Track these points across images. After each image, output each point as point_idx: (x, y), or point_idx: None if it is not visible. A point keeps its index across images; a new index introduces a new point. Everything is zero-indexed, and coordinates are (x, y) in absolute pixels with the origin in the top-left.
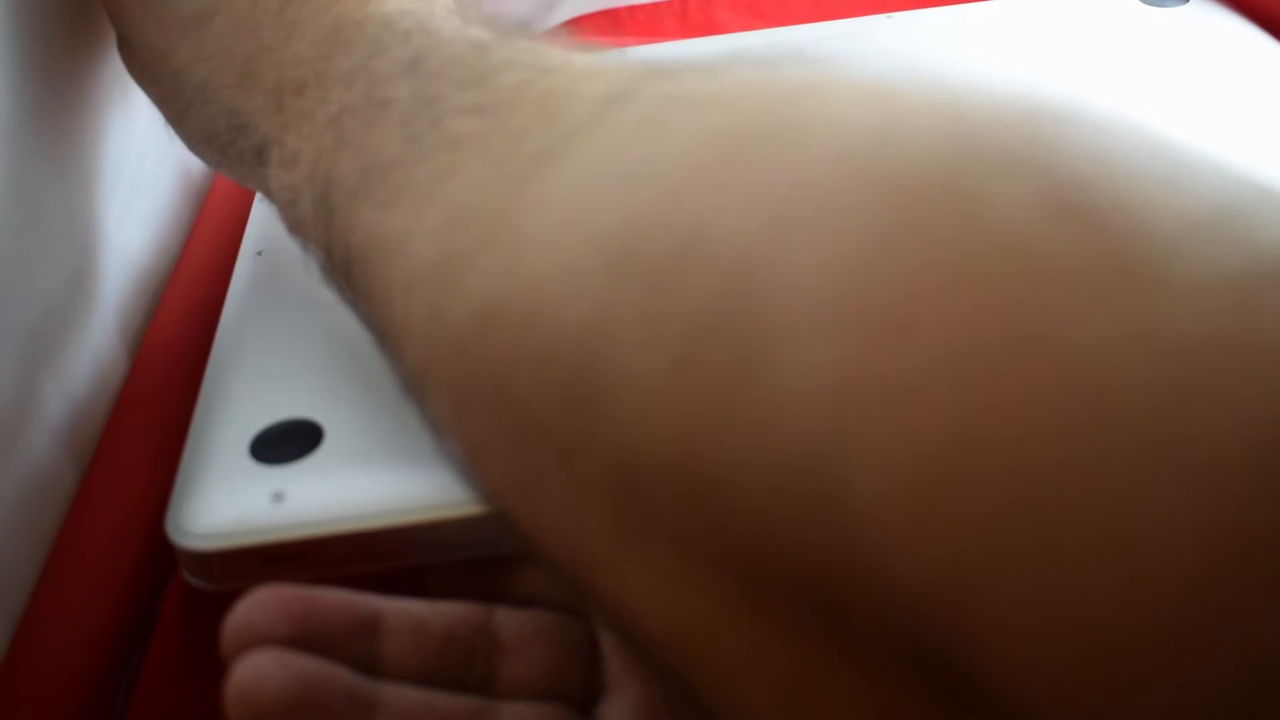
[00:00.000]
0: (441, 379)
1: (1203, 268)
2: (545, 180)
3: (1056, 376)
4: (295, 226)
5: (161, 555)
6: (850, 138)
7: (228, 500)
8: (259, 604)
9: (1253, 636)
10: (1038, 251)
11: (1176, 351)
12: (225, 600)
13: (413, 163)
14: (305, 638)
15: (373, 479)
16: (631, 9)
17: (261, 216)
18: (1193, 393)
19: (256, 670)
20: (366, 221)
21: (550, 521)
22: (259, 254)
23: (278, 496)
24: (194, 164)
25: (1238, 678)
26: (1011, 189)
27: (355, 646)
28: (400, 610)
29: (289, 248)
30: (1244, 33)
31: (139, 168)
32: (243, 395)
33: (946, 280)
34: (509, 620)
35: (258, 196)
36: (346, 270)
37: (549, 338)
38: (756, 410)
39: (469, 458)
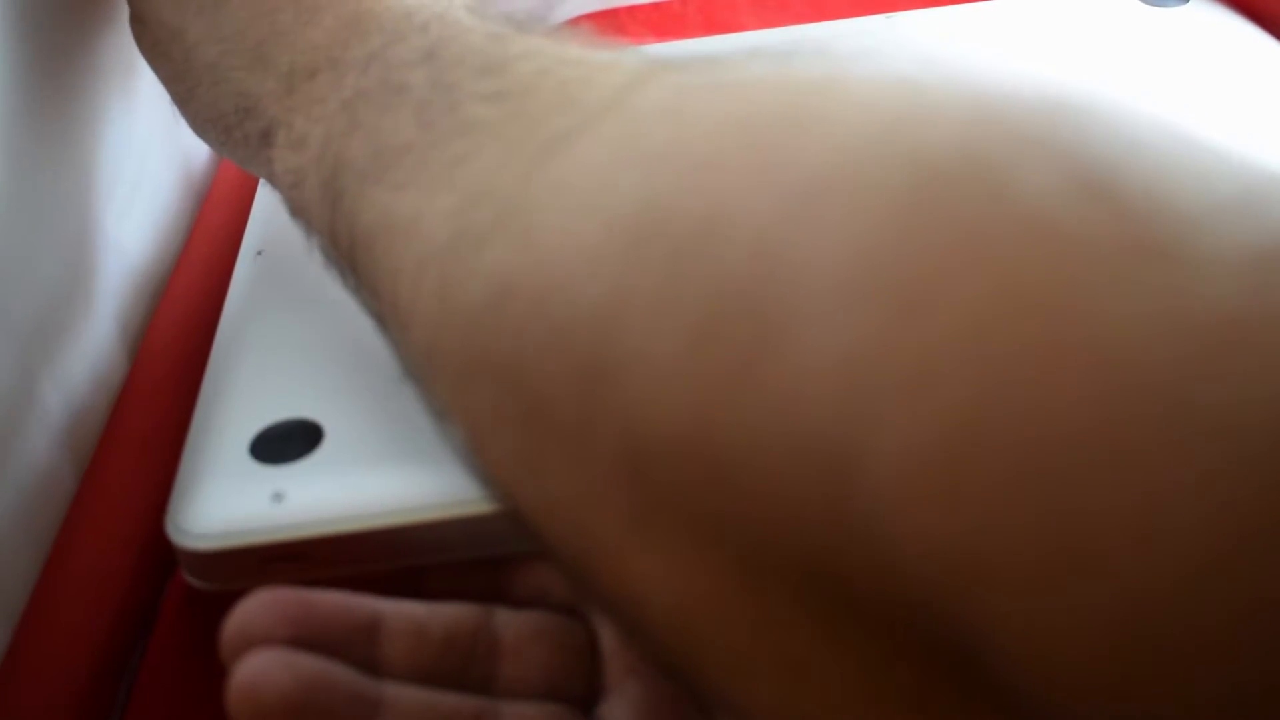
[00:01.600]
0: (449, 359)
1: (1225, 247)
2: (563, 162)
3: (1079, 350)
4: (298, 210)
5: (161, 555)
6: (873, 121)
7: (228, 500)
8: (257, 607)
9: (1269, 599)
10: (1061, 229)
11: (1199, 326)
12: (225, 600)
13: (428, 146)
14: (304, 640)
15: (373, 479)
16: (632, 9)
17: (261, 217)
18: (1215, 365)
19: (259, 670)
20: (377, 203)
21: (555, 503)
22: (259, 254)
23: (278, 496)
24: (194, 163)
25: (1252, 638)
26: (1036, 169)
27: (354, 648)
28: (400, 611)
29: (289, 248)
30: (1244, 33)
31: (139, 167)
32: (243, 395)
33: (970, 257)
34: (509, 621)
35: (257, 197)
36: (351, 253)
37: (563, 315)
38: (774, 387)
39: (472, 440)
